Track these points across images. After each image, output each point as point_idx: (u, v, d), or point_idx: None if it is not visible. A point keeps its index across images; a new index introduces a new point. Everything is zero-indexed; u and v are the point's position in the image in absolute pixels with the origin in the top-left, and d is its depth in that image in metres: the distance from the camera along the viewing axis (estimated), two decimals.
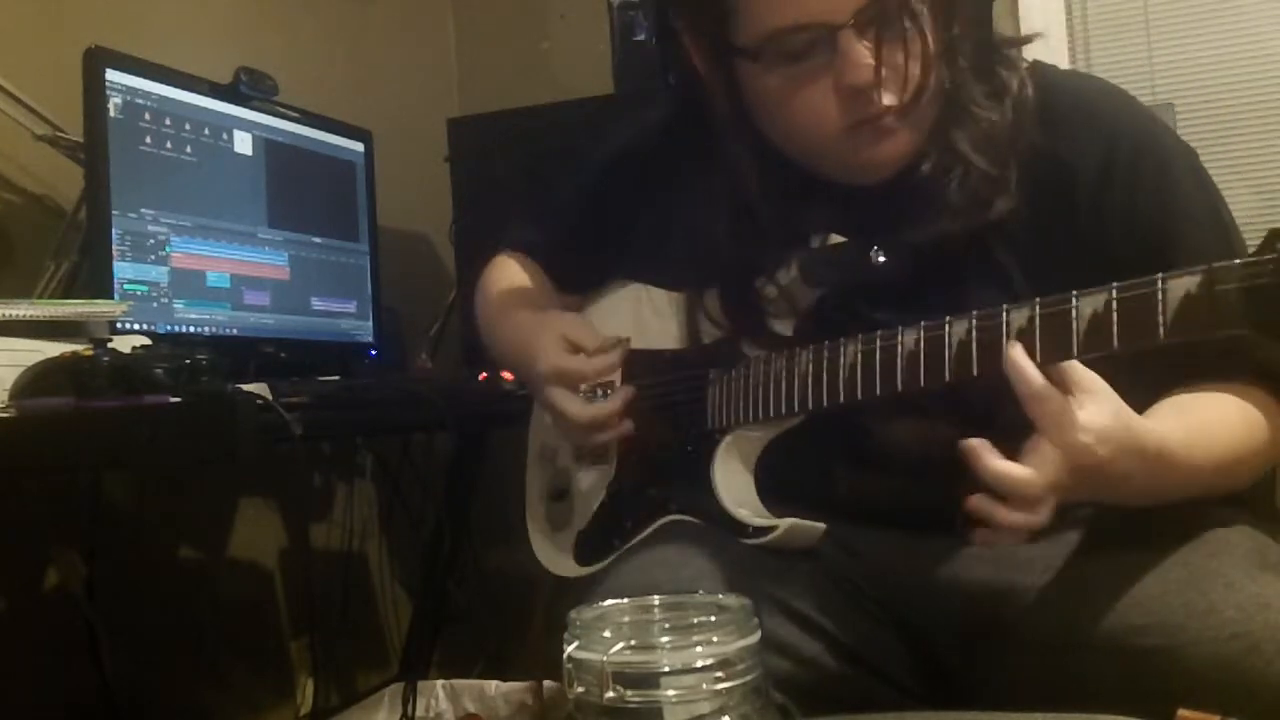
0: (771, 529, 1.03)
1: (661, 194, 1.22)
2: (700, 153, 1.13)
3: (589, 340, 1.17)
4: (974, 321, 0.88)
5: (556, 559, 1.26)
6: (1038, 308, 0.85)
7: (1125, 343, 0.80)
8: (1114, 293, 0.81)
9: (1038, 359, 0.84)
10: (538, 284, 1.35)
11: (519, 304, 1.31)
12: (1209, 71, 2.35)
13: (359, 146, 2.02)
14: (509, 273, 1.37)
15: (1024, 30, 2.19)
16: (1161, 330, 0.78)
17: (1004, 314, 0.87)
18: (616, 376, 1.19)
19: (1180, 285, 0.77)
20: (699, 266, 1.16)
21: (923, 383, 0.91)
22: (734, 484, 1.10)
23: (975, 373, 0.88)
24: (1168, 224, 0.98)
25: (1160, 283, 0.78)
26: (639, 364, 1.21)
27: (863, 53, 0.96)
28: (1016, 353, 0.84)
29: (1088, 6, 2.42)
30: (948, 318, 0.90)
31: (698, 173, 1.14)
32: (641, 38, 2.07)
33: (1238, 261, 0.75)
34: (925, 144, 1.02)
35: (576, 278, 1.34)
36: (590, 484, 1.24)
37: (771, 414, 1.06)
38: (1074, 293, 0.83)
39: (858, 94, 0.98)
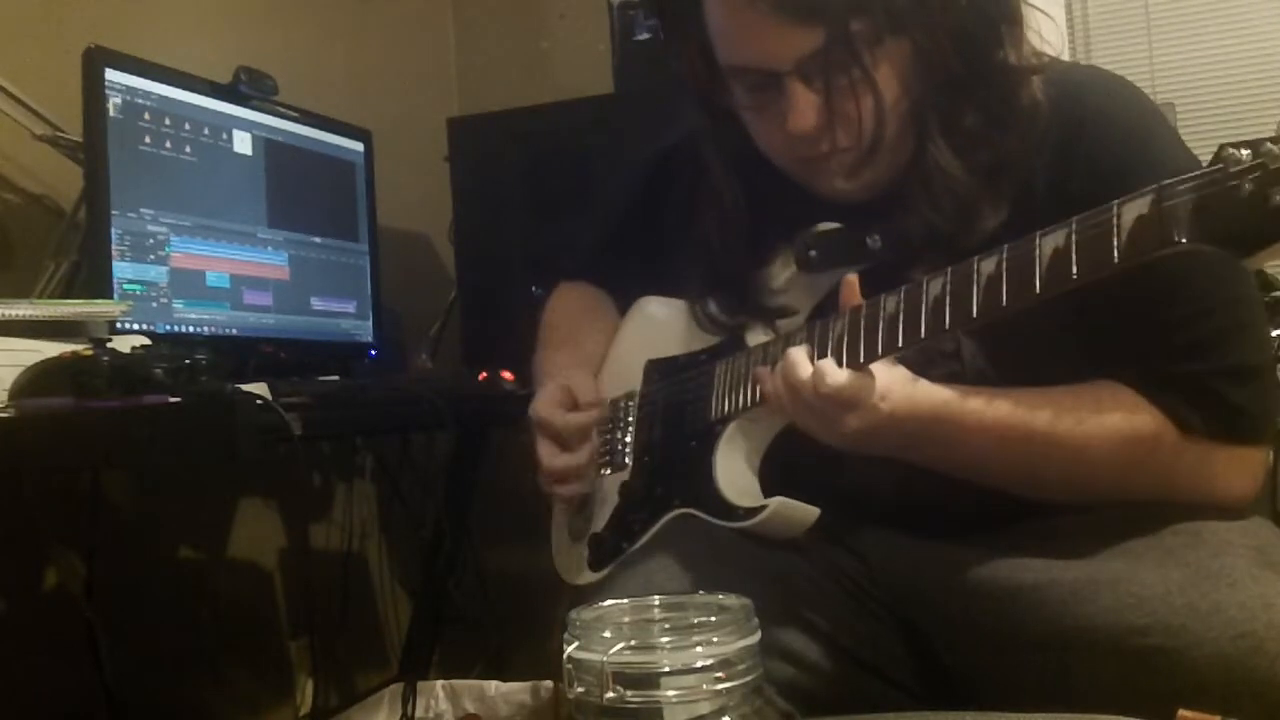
0: (761, 509, 1.03)
1: (678, 204, 1.23)
2: (701, 157, 1.14)
3: (582, 397, 1.22)
4: (949, 276, 0.89)
5: (573, 569, 1.27)
6: (1005, 252, 0.85)
7: (1084, 273, 0.80)
8: (1074, 225, 0.81)
9: (1004, 301, 0.85)
10: (594, 315, 1.38)
11: (553, 340, 1.37)
12: (1209, 71, 2.35)
13: (359, 146, 2.02)
14: (567, 302, 1.42)
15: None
16: (1116, 254, 0.78)
17: (975, 264, 0.87)
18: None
19: (1133, 208, 0.77)
20: (700, 270, 1.17)
21: (900, 342, 0.92)
22: (733, 471, 1.10)
23: (947, 327, 0.89)
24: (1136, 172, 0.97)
25: (1115, 208, 0.78)
26: (656, 371, 1.23)
27: (805, 100, 0.97)
28: (762, 372, 0.98)
29: (1088, 6, 2.42)
30: (925, 277, 0.91)
31: (702, 179, 1.15)
32: (642, 37, 2.07)
33: (1184, 176, 0.75)
34: (902, 170, 1.02)
35: (629, 288, 1.36)
36: (607, 491, 1.25)
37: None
38: (1038, 232, 0.83)
39: (800, 138, 0.99)
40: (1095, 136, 0.98)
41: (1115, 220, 0.78)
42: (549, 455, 1.21)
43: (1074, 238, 0.81)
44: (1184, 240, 0.74)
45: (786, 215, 1.09)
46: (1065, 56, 2.37)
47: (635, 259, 1.33)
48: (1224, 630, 0.82)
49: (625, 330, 1.33)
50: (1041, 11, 1.03)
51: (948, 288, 0.89)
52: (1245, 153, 0.72)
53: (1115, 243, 0.78)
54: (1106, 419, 0.95)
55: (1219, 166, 0.73)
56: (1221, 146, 0.73)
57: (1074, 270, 0.80)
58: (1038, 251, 0.83)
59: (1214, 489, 0.96)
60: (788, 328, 1.09)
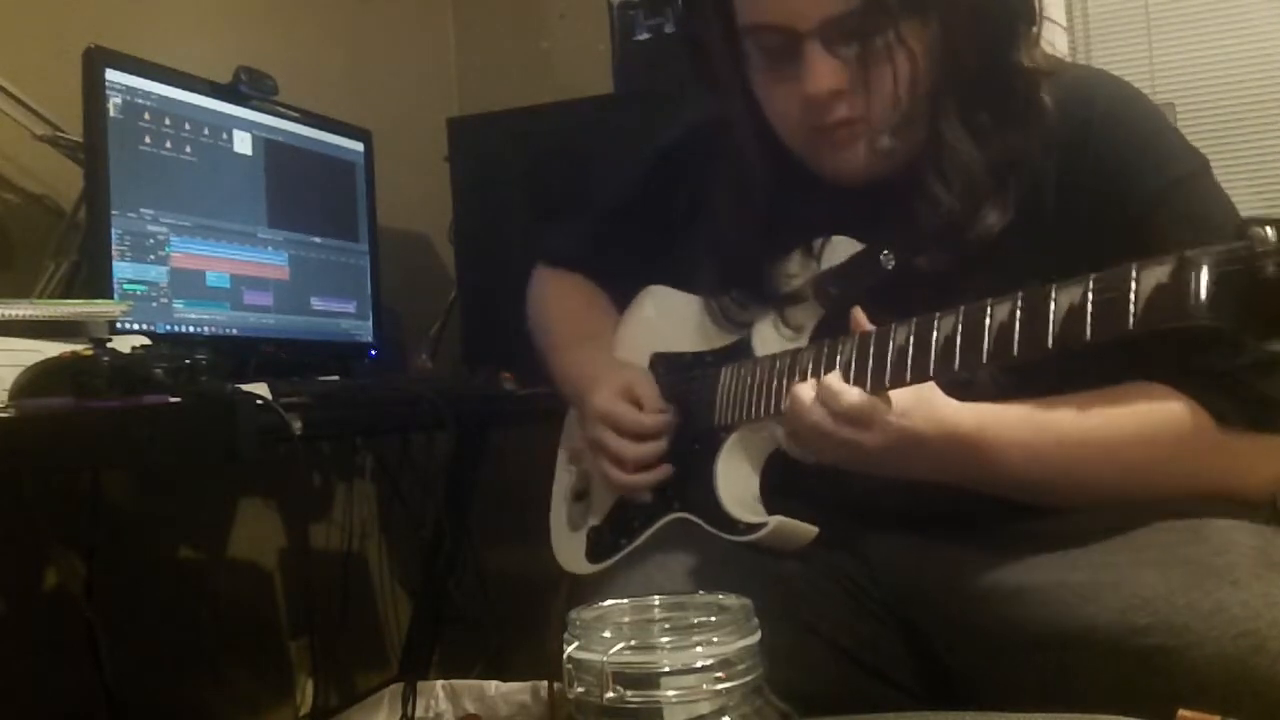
0: (760, 526, 1.03)
1: (684, 195, 1.23)
2: (711, 147, 1.14)
3: (649, 399, 1.18)
4: (960, 316, 0.89)
5: (570, 557, 1.27)
6: (1019, 300, 0.85)
7: (1097, 333, 0.80)
8: (1091, 283, 0.80)
9: (1015, 352, 0.84)
10: (597, 309, 1.37)
11: (585, 337, 1.33)
12: (1209, 71, 2.35)
13: (359, 146, 2.02)
14: (566, 296, 1.40)
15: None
16: (1131, 320, 0.77)
17: (988, 308, 0.87)
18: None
19: (1152, 275, 0.77)
20: (714, 262, 1.16)
21: (908, 377, 0.92)
22: (734, 481, 1.10)
23: (957, 367, 0.89)
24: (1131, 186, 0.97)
25: (1134, 272, 0.78)
26: (660, 365, 1.23)
27: (824, 64, 0.97)
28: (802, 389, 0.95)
29: (1088, 6, 2.42)
30: (937, 314, 0.91)
31: (715, 169, 1.15)
32: (642, 37, 2.07)
33: (1207, 249, 0.74)
34: (913, 153, 1.02)
35: (613, 283, 1.36)
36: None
37: (773, 411, 1.06)
38: (1053, 285, 0.83)
39: (817, 102, 0.98)
40: (1102, 138, 0.99)
41: (1133, 285, 0.77)
42: (620, 444, 1.16)
43: (1090, 296, 0.80)
44: (1202, 318, 0.73)
45: (797, 205, 1.09)
46: (1065, 56, 2.39)
47: (635, 252, 1.33)
48: (1226, 629, 0.82)
49: (632, 318, 1.33)
50: (1053, 21, 1.03)
51: (959, 328, 0.88)
52: (1270, 231, 0.70)
53: (1132, 309, 0.77)
54: (1139, 418, 0.95)
55: (1244, 243, 0.72)
56: (1246, 221, 0.72)
57: (1088, 332, 0.80)
58: (1053, 305, 0.82)
59: (1245, 481, 0.96)
60: (798, 328, 1.09)
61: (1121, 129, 0.99)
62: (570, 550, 1.28)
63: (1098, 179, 0.97)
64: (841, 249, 1.07)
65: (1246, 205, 2.42)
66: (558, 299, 1.41)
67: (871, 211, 1.05)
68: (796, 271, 1.10)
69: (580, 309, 1.38)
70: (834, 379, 0.94)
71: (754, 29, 1.01)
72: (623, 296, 1.37)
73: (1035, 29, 1.01)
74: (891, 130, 1.00)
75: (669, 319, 1.26)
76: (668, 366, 1.23)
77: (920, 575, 1.04)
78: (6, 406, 1.23)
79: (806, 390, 0.96)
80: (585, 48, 2.45)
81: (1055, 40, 1.05)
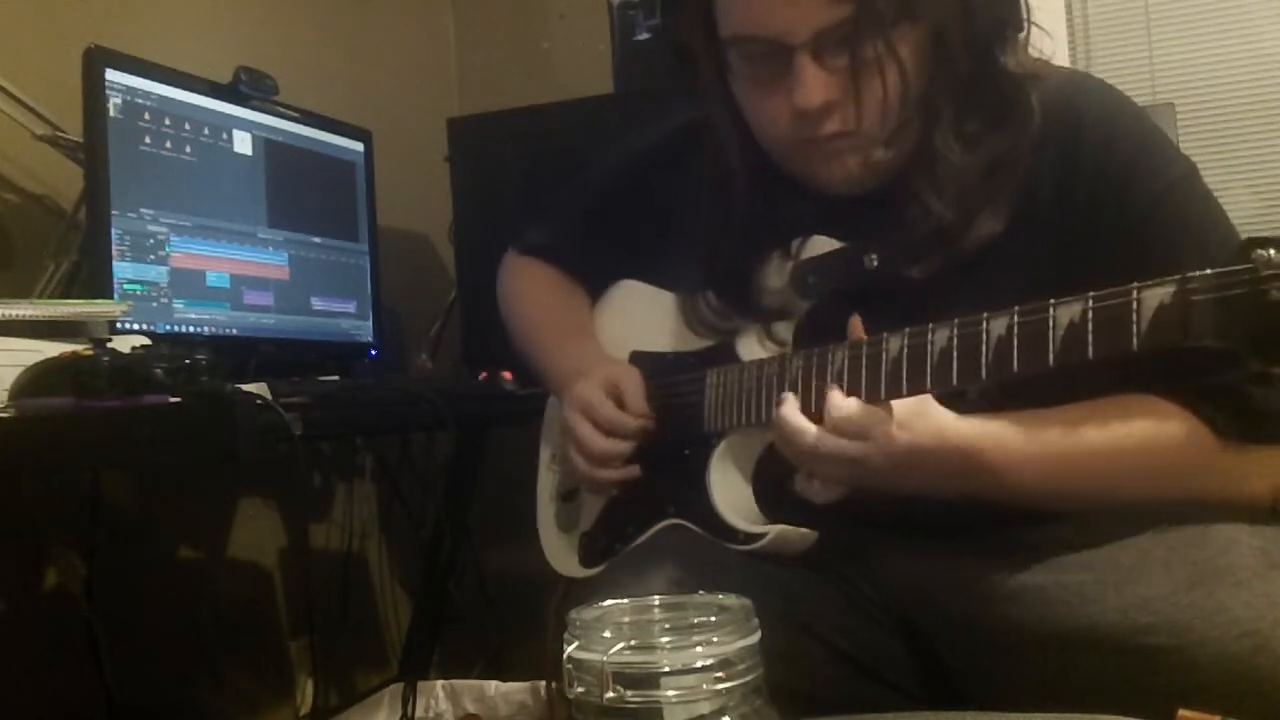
0: (761, 535, 1.03)
1: (669, 194, 1.22)
2: (699, 148, 1.14)
3: (632, 400, 1.17)
4: (955, 329, 0.88)
5: (563, 559, 1.27)
6: (1016, 316, 0.85)
7: (1100, 351, 0.79)
8: (1090, 301, 0.80)
9: (1015, 368, 0.84)
10: (577, 302, 1.37)
11: (574, 331, 1.33)
12: (1209, 71, 2.35)
13: (359, 146, 2.02)
14: (545, 289, 1.39)
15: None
16: (1135, 340, 0.77)
17: (984, 322, 0.87)
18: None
19: (1155, 295, 0.76)
20: (696, 263, 1.16)
21: (904, 389, 0.91)
22: (729, 488, 1.09)
23: (955, 382, 0.88)
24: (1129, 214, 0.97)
25: (1135, 292, 0.77)
26: (642, 365, 1.22)
27: (815, 77, 0.96)
28: (787, 409, 0.95)
29: (1088, 6, 2.42)
30: (931, 325, 0.90)
31: (697, 170, 1.14)
32: (642, 37, 2.07)
33: (1211, 271, 0.74)
34: (902, 163, 1.02)
35: (590, 276, 1.35)
36: None
37: (764, 419, 1.05)
38: (1052, 301, 0.82)
39: (808, 115, 0.98)
40: (1096, 140, 0.99)
41: (1135, 304, 0.77)
42: (590, 436, 1.16)
43: (1090, 314, 0.80)
44: (1205, 339, 0.73)
45: (783, 213, 1.09)
46: (1065, 56, 2.37)
47: (611, 247, 1.32)
48: (1228, 629, 0.82)
49: (607, 313, 1.32)
50: (1041, 29, 1.03)
51: (954, 341, 0.88)
52: (1274, 253, 0.70)
53: (1135, 329, 0.77)
54: (1135, 430, 0.94)
55: (1249, 266, 0.72)
56: (1249, 242, 0.72)
57: (1090, 349, 0.80)
58: (1051, 321, 0.82)
59: (1240, 490, 0.95)
60: (782, 343, 1.09)
61: (1116, 132, 0.99)
62: (562, 553, 1.27)
63: (1094, 182, 0.97)
64: (821, 246, 1.06)
65: (1245, 205, 2.42)
66: (537, 291, 1.39)
67: (860, 219, 1.05)
68: (776, 278, 1.09)
69: (561, 302, 1.37)
70: (835, 396, 0.93)
71: (739, 40, 1.00)
72: (594, 289, 1.36)
73: (1023, 34, 1.01)
74: (883, 141, 0.99)
75: (646, 316, 1.25)
76: (652, 367, 1.21)
77: (921, 576, 1.04)
78: (6, 406, 1.23)
79: (794, 412, 0.95)
80: (585, 48, 2.45)
81: (1044, 46, 1.04)
